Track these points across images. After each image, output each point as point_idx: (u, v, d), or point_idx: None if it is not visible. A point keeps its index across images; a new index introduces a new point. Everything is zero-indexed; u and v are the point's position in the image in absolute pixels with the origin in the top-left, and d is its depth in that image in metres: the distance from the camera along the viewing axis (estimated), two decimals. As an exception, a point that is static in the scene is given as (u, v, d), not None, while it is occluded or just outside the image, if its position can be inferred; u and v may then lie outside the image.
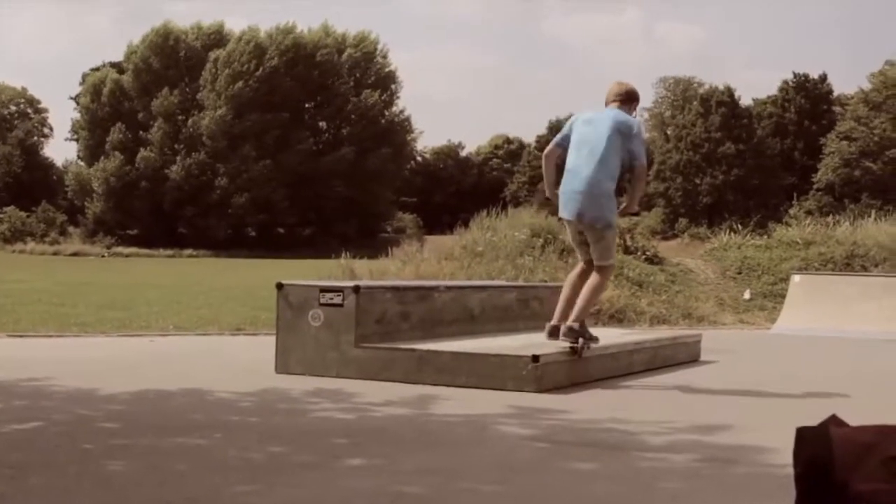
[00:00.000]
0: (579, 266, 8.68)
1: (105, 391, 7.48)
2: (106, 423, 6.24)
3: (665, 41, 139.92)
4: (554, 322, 8.45)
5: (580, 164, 8.41)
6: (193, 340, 11.96)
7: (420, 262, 17.64)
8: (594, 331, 8.81)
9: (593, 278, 8.43)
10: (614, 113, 8.51)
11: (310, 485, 4.58)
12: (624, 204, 8.81)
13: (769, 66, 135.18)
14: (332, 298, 8.68)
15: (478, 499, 4.41)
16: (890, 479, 3.65)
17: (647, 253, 19.06)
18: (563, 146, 8.64)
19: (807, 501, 3.73)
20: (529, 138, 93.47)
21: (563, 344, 8.31)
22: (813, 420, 3.99)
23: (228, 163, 71.01)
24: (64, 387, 7.65)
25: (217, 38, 76.49)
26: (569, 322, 8.30)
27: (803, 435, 3.88)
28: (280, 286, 8.92)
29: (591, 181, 8.37)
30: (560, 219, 9.00)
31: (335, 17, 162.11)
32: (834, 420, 4.03)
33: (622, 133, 8.41)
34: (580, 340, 8.32)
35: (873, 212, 24.47)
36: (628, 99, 8.73)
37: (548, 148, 8.86)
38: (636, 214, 8.28)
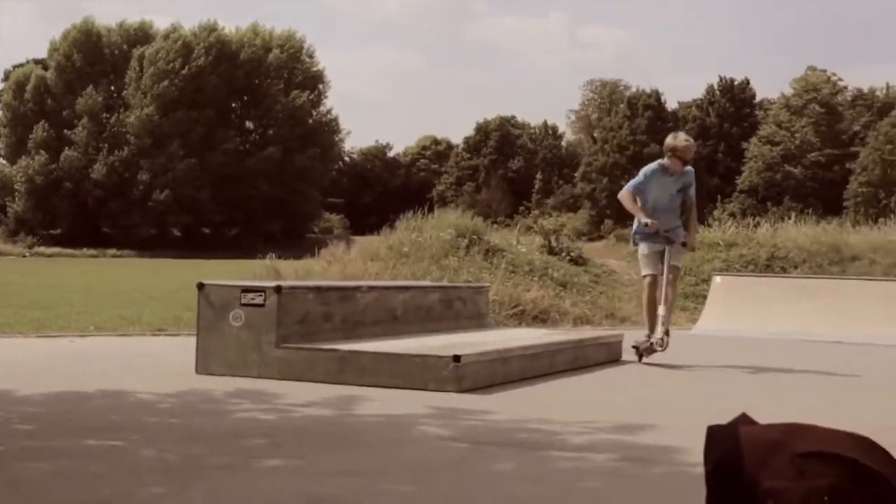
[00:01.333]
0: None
1: (21, 392, 7.37)
2: (20, 424, 6.15)
3: (591, 44, 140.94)
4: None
5: None
6: (114, 341, 11.81)
7: (346, 262, 17.57)
8: (527, 330, 8.98)
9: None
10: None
11: (226, 486, 4.55)
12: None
13: (694, 70, 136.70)
14: (253, 299, 8.62)
15: (396, 500, 4.41)
16: (797, 477, 3.71)
17: (572, 254, 19.18)
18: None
19: (717, 499, 3.78)
20: (457, 139, 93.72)
21: (486, 345, 8.42)
22: (728, 419, 4.05)
23: (153, 161, 70.32)
24: (-23, 388, 7.52)
25: (141, 35, 75.73)
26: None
27: (713, 434, 3.92)
28: (201, 286, 8.84)
29: None
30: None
31: (260, 15, 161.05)
32: (743, 418, 4.09)
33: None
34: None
35: (794, 214, 24.82)
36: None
37: None
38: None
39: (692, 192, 10.64)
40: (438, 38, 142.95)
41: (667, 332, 10.24)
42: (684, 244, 10.42)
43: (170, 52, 71.87)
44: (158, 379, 8.30)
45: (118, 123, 71.89)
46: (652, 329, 10.33)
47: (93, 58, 74.24)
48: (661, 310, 10.23)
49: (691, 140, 10.80)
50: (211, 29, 74.67)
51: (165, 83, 70.64)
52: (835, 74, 76.43)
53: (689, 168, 10.56)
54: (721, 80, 79.83)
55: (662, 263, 10.33)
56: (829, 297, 14.89)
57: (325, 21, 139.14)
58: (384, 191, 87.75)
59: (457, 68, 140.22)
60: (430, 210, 20.55)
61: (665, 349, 10.22)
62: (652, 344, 10.23)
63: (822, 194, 66.47)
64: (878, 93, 76.99)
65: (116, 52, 74.60)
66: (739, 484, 3.73)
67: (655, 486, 4.79)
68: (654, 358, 10.81)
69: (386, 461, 5.21)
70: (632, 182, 10.62)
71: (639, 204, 10.38)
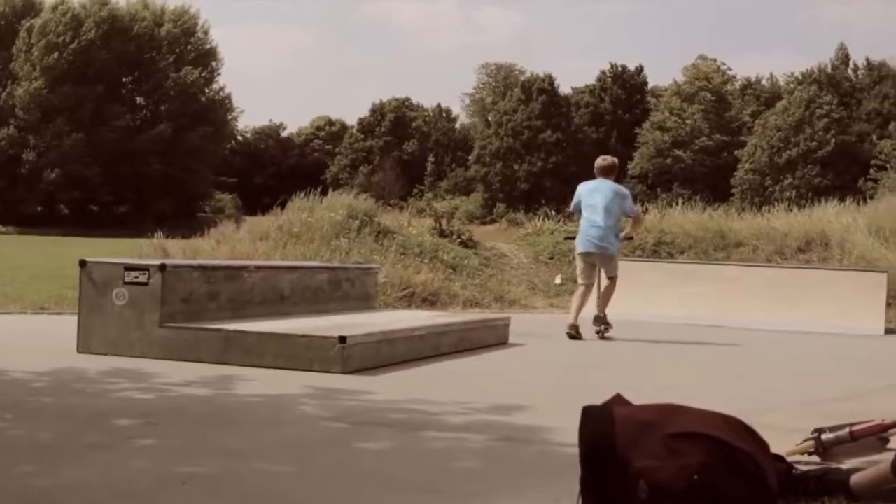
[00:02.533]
0: (582, 288, 11.95)
1: None
2: None
3: (485, 27, 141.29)
4: (572, 322, 11.50)
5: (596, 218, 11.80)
6: (-6, 319, 11.56)
7: (235, 242, 17.40)
8: (414, 312, 9.03)
9: (610, 284, 12.03)
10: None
11: (98, 465, 4.48)
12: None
13: (588, 56, 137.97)
14: (136, 277, 8.50)
15: (270, 479, 4.38)
16: (668, 456, 3.77)
17: (463, 237, 19.23)
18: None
19: (591, 479, 3.83)
20: (351, 120, 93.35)
21: (373, 327, 8.39)
22: (605, 401, 4.10)
23: (40, 136, 68.82)
24: None
25: (28, 7, 73.95)
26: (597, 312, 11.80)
27: (588, 414, 3.98)
28: (83, 263, 8.69)
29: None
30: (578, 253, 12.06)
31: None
32: (618, 399, 4.15)
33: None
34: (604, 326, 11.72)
35: (681, 201, 25.18)
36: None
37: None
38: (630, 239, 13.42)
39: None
40: (334, 17, 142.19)
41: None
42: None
43: (59, 25, 70.30)
44: (37, 358, 8.14)
45: (7, 97, 70.18)
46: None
47: (-23, 29, 72.35)
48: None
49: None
50: (102, 3, 73.21)
51: (55, 56, 69.12)
52: (724, 64, 77.96)
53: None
54: (613, 66, 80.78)
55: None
56: (714, 283, 15.16)
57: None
58: (277, 171, 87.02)
59: (352, 48, 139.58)
60: (325, 191, 20.42)
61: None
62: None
63: (710, 180, 67.68)
64: (763, 82, 78.68)
65: (3, 23, 72.71)
66: (612, 463, 3.82)
67: (530, 465, 4.83)
68: (541, 341, 10.94)
69: (262, 440, 5.18)
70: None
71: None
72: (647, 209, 22.62)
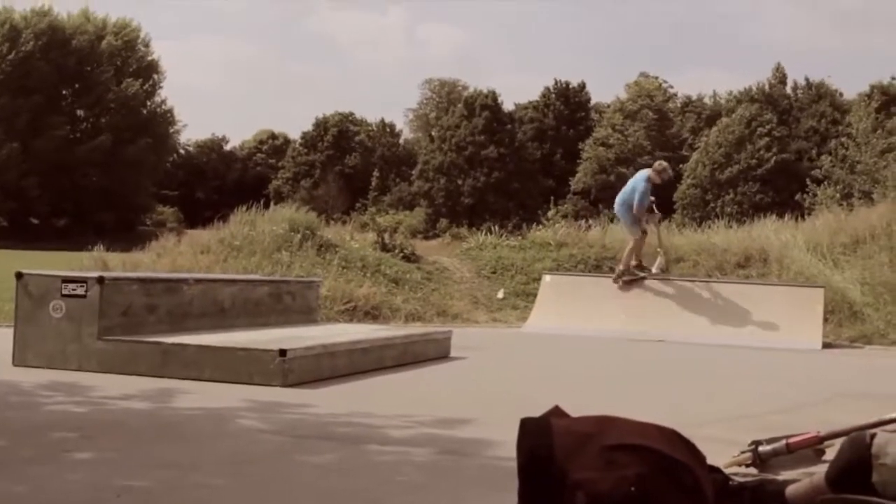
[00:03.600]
0: None
1: None
2: None
3: (429, 42, 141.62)
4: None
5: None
6: (-73, 332, 11.36)
7: (176, 255, 17.28)
8: (356, 325, 8.99)
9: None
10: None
11: (31, 479, 4.41)
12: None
13: (531, 72, 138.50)
14: (74, 289, 8.41)
15: (207, 492, 4.34)
16: (605, 468, 3.78)
17: (405, 251, 19.21)
18: None
19: (529, 491, 3.82)
20: (294, 134, 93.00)
21: (313, 340, 8.39)
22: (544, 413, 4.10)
23: (-26, 145, 67.88)
24: None
25: (-34, 16, 73.04)
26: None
27: (526, 426, 3.97)
28: (20, 275, 8.59)
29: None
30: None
31: (92, 2, 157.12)
32: (556, 411, 4.15)
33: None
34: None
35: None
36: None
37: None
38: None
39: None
40: (276, 31, 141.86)
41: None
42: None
43: (-4, 36, 69.47)
44: (-29, 371, 8.02)
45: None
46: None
47: (-84, 37, 71.27)
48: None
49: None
50: (43, 14, 72.48)
51: (-9, 67, 68.28)
52: (665, 81, 78.66)
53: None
54: (557, 82, 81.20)
55: None
56: (654, 298, 15.28)
57: (159, 10, 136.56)
58: (220, 185, 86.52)
59: (295, 62, 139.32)
60: (267, 205, 20.34)
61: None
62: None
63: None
64: (706, 99, 79.46)
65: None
66: (550, 475, 3.81)
67: (470, 478, 4.82)
68: (483, 355, 10.96)
69: (201, 454, 5.13)
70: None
71: None
72: (588, 225, 22.74)
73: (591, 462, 3.80)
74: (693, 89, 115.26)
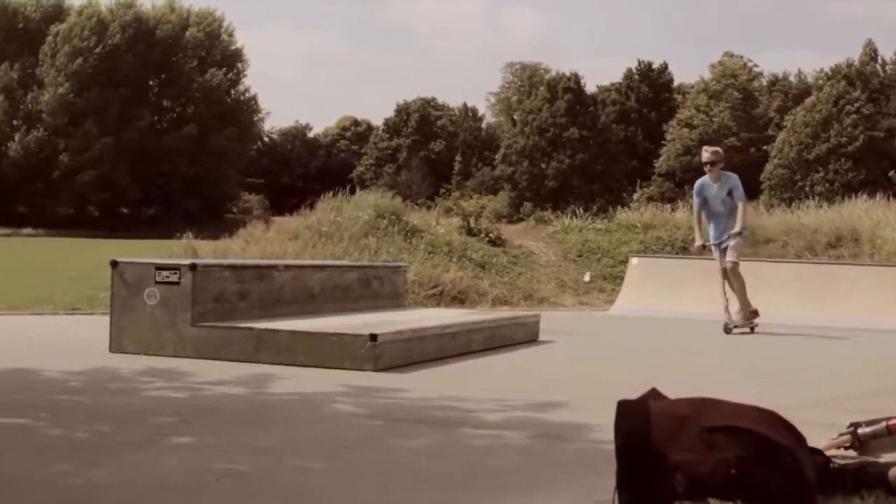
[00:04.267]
0: None
1: (-74, 371, 7.22)
2: (-75, 403, 6.03)
3: (510, 26, 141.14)
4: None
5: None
6: (26, 320, 11.64)
7: (265, 242, 17.47)
8: (444, 310, 9.10)
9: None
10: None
11: (132, 463, 4.49)
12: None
13: (613, 54, 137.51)
14: (168, 276, 8.53)
15: (304, 476, 4.38)
16: (705, 450, 3.75)
17: (491, 235, 19.23)
18: None
19: (627, 473, 3.81)
20: (377, 120, 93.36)
21: (403, 324, 8.43)
22: (639, 396, 4.08)
23: (69, 140, 69.18)
24: None
25: (56, 11, 74.34)
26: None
27: (623, 408, 3.96)
28: (115, 264, 8.73)
29: None
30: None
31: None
32: (653, 394, 4.13)
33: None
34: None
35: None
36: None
37: None
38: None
39: (737, 192, 12.41)
40: (356, 19, 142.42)
41: (753, 313, 12.46)
42: (730, 237, 12.25)
43: (84, 30, 70.59)
44: (70, 357, 8.18)
45: (33, 102, 70.56)
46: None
47: (7, 34, 72.68)
48: (723, 301, 12.26)
49: (710, 148, 12.92)
50: (128, 6, 73.51)
51: (80, 61, 69.41)
52: (751, 60, 77.54)
53: (730, 174, 12.67)
54: (640, 63, 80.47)
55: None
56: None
57: (242, 1, 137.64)
58: (304, 172, 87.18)
59: (376, 49, 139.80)
60: (352, 191, 20.48)
61: (742, 327, 12.29)
62: (725, 324, 12.15)
63: (739, 177, 67.29)
64: (791, 78, 78.23)
65: (32, 27, 73.07)
66: (648, 457, 3.79)
67: (566, 462, 4.81)
68: (572, 338, 10.92)
69: (297, 438, 5.18)
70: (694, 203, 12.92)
71: (703, 218, 12.82)
72: (673, 208, 22.56)
73: (690, 444, 3.77)
74: (778, 68, 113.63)
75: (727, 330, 12.00)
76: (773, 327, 12.82)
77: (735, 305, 12.34)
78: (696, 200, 12.74)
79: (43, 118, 70.01)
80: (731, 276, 12.36)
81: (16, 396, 6.31)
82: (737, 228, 12.17)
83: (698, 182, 12.73)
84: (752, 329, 12.35)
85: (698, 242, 12.76)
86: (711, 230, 12.62)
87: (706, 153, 12.70)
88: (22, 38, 72.89)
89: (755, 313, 12.44)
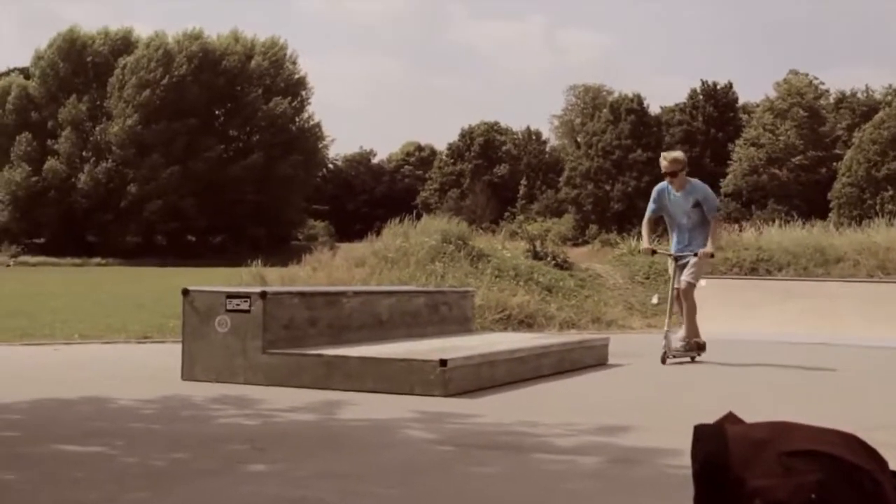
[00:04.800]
0: None
1: (5, 400, 7.32)
2: (5, 431, 6.11)
3: (571, 48, 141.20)
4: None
5: None
6: (99, 349, 11.77)
7: (331, 268, 17.56)
8: (512, 334, 9.04)
9: None
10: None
11: (209, 491, 4.52)
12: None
13: (676, 74, 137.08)
14: (238, 304, 8.60)
15: (380, 501, 4.39)
16: (784, 475, 3.70)
17: (557, 259, 19.17)
18: None
19: (705, 498, 3.77)
20: (441, 145, 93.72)
21: (472, 349, 8.41)
22: (713, 420, 4.04)
23: (137, 170, 70.17)
24: (-40, 396, 7.47)
25: (124, 44, 75.54)
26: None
27: (700, 433, 3.92)
28: (186, 292, 8.82)
29: None
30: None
31: (241, 23, 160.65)
32: (730, 417, 4.08)
33: None
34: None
35: (778, 218, 24.89)
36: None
37: None
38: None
39: (708, 206, 11.13)
40: (417, 44, 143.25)
41: (698, 346, 11.12)
42: (696, 254, 10.92)
43: (151, 62, 71.67)
44: (143, 385, 8.27)
45: (101, 133, 71.69)
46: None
47: (76, 67, 73.99)
48: (666, 324, 11.02)
49: (670, 153, 11.59)
50: (195, 37, 74.52)
51: (147, 93, 70.46)
52: (816, 78, 76.87)
53: (696, 183, 11.35)
54: (704, 84, 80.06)
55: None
56: (814, 300, 14.93)
57: (304, 29, 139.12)
58: (369, 198, 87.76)
59: (437, 74, 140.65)
60: (419, 217, 20.55)
61: (681, 356, 11.02)
62: (663, 353, 10.81)
63: (806, 196, 66.70)
64: (858, 95, 77.40)
65: (99, 60, 74.32)
66: (727, 482, 3.74)
67: (640, 487, 4.78)
68: (641, 361, 10.85)
69: (370, 464, 5.19)
70: (648, 208, 11.52)
71: (668, 226, 11.53)
72: (741, 227, 22.36)
73: (769, 469, 3.72)
74: (845, 85, 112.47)
75: (663, 360, 10.70)
76: (845, 348, 12.66)
77: (681, 332, 11.12)
78: (650, 207, 11.38)
79: (112, 150, 71.07)
80: (683, 298, 11.06)
81: (92, 424, 6.38)
82: (708, 249, 10.89)
83: (657, 187, 11.35)
84: (692, 359, 11.07)
85: (647, 245, 11.42)
86: (673, 241, 11.31)
87: (664, 161, 11.25)
88: (90, 72, 74.17)
89: (701, 346, 11.13)
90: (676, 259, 11.09)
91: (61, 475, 4.79)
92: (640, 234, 23.69)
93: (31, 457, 5.27)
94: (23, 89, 74.42)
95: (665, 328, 10.94)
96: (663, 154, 11.58)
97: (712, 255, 11.09)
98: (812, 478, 3.69)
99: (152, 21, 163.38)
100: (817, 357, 11.78)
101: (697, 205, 11.00)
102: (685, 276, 10.92)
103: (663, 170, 11.19)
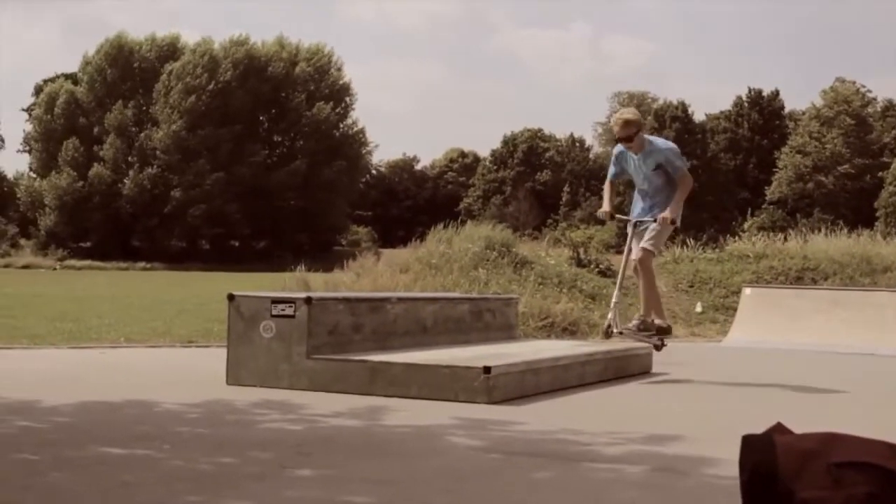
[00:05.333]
0: None
1: (52, 403, 7.39)
2: (52, 434, 6.17)
3: (615, 55, 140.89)
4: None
5: None
6: (144, 352, 11.86)
7: (375, 274, 17.60)
8: (556, 341, 8.97)
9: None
10: None
11: (257, 495, 4.54)
12: None
13: (721, 82, 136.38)
14: (283, 310, 8.63)
15: (427, 508, 4.40)
16: (833, 486, 3.67)
17: (601, 266, 19.12)
18: None
19: (753, 509, 3.74)
20: (484, 152, 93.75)
21: (516, 357, 8.38)
22: (760, 430, 4.02)
23: (182, 176, 70.67)
24: (7, 398, 7.53)
25: (171, 50, 76.13)
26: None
27: (748, 443, 3.89)
28: (231, 297, 8.86)
29: None
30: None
31: (285, 29, 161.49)
32: (779, 428, 4.05)
33: None
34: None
35: (824, 227, 24.72)
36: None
37: None
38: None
39: (674, 166, 9.89)
40: (461, 51, 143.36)
41: (661, 328, 10.03)
42: (655, 220, 9.78)
43: (196, 67, 72.18)
44: (188, 389, 8.32)
45: (147, 139, 72.27)
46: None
47: (123, 73, 74.65)
48: (615, 295, 10.01)
49: (621, 115, 10.02)
50: (241, 43, 74.98)
51: (192, 99, 70.95)
52: (863, 86, 76.23)
53: (658, 142, 10.15)
54: (750, 91, 79.62)
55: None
56: (861, 309, 14.79)
57: (349, 36, 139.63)
58: (412, 204, 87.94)
59: (481, 81, 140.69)
60: (463, 223, 20.57)
61: (638, 336, 10.01)
62: (608, 326, 10.00)
63: (852, 205, 66.16)
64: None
65: (146, 66, 74.95)
66: (775, 494, 3.71)
67: (687, 497, 4.75)
68: (685, 370, 10.78)
69: (417, 470, 5.19)
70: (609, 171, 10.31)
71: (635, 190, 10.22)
72: (785, 237, 22.22)
73: (818, 480, 3.69)
74: (893, 92, 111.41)
75: (607, 333, 9.95)
76: (892, 359, 12.54)
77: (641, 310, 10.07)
78: (610, 169, 10.21)
79: (157, 155, 71.63)
80: (640, 269, 9.89)
81: (138, 428, 6.43)
82: (667, 214, 9.68)
83: (616, 149, 10.15)
84: (657, 347, 10.12)
85: (605, 208, 10.16)
86: (636, 206, 10.13)
87: (615, 127, 9.95)
88: (137, 78, 74.80)
89: (664, 330, 10.08)
90: (635, 225, 9.97)
91: (109, 478, 4.83)
92: (683, 242, 23.66)
93: (79, 460, 5.32)
94: (71, 95, 75.18)
95: (614, 299, 10.02)
96: (615, 117, 10.14)
97: (673, 222, 9.78)
98: (862, 490, 3.66)
99: (200, 27, 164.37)
100: (865, 367, 11.68)
101: (659, 167, 9.80)
102: (643, 243, 9.78)
103: (616, 136, 10.01)
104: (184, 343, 12.82)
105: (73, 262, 64.72)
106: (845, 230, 22.60)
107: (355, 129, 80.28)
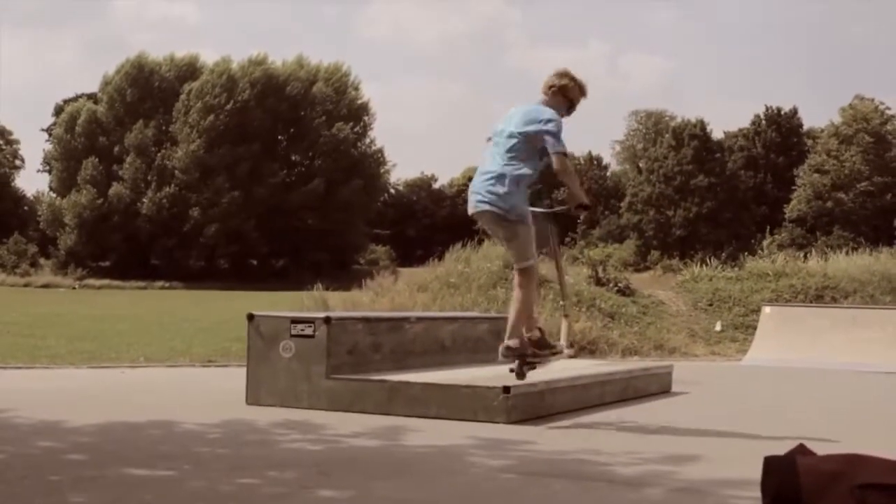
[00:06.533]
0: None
1: (73, 423, 7.41)
2: (73, 454, 6.19)
3: (632, 74, 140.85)
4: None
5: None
6: (164, 372, 11.89)
7: (394, 293, 17.61)
8: (575, 361, 8.83)
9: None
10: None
11: (278, 516, 4.55)
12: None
13: (739, 100, 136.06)
14: (303, 329, 8.65)
15: (447, 530, 4.39)
16: (857, 508, 3.65)
17: (619, 285, 19.08)
18: None
19: (775, 531, 3.73)
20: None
21: (535, 376, 8.31)
22: (782, 451, 4.00)
23: (200, 194, 70.85)
24: (29, 419, 7.57)
25: (190, 69, 76.38)
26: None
27: (771, 464, 3.88)
28: (251, 317, 8.88)
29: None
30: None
31: (304, 48, 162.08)
32: (801, 449, 4.04)
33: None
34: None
35: (844, 245, 24.65)
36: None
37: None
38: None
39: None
40: (478, 70, 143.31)
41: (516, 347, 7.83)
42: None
43: (215, 87, 72.37)
44: (208, 409, 8.33)
45: (165, 158, 72.49)
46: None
47: (143, 92, 74.94)
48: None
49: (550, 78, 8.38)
50: (259, 63, 75.18)
51: (211, 118, 71.15)
52: (882, 103, 75.90)
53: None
54: (768, 109, 79.45)
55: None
56: (882, 328, 14.73)
57: (367, 55, 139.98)
58: (431, 223, 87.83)
59: (498, 99, 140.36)
60: (480, 242, 20.55)
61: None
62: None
63: (872, 223, 65.88)
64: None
65: (166, 86, 75.22)
66: (797, 514, 3.69)
67: (709, 517, 4.73)
68: (705, 389, 10.74)
69: (437, 490, 5.19)
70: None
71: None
72: (806, 255, 22.15)
73: (841, 502, 3.68)
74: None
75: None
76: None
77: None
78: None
79: (175, 174, 71.83)
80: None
81: (159, 447, 6.45)
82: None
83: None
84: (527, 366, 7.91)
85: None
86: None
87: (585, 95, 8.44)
88: (157, 97, 75.04)
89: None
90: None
91: (130, 498, 4.84)
92: (702, 260, 23.60)
93: (100, 480, 5.33)
94: (92, 114, 75.42)
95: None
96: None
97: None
98: (885, 512, 3.64)
99: (219, 47, 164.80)
100: (887, 386, 11.62)
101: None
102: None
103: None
104: (203, 362, 12.86)
105: (91, 281, 64.80)
106: (866, 248, 22.52)
107: (373, 148, 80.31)
